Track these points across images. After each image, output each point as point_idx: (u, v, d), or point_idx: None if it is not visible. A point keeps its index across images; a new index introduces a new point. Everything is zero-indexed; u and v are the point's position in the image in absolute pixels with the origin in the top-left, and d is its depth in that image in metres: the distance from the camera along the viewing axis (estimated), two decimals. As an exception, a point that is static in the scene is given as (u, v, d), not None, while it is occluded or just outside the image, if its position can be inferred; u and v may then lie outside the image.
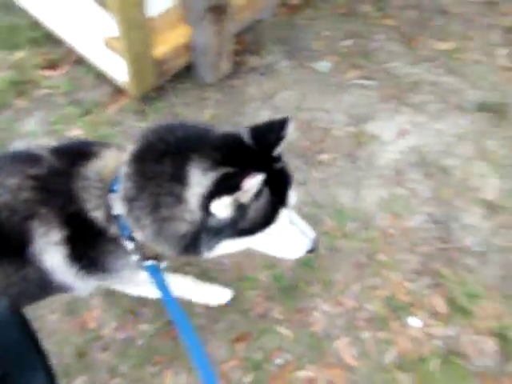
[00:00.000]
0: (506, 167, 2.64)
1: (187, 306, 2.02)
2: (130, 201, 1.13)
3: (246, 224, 1.12)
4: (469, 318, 2.15)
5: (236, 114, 2.69)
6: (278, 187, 1.13)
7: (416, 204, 2.46)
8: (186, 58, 2.61)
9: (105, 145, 1.33)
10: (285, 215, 1.19)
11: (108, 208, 1.18)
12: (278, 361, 2.03)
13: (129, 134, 2.54)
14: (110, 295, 2.08)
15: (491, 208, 2.50)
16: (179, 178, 1.06)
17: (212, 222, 1.09)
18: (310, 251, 1.33)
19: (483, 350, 2.09)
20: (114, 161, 1.24)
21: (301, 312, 2.10)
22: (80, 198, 1.18)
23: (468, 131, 2.77)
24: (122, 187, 1.14)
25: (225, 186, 1.02)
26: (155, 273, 1.23)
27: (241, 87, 2.81)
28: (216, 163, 1.05)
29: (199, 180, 1.04)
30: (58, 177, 1.20)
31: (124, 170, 1.15)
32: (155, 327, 2.03)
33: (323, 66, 2.95)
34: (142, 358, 1.98)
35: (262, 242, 1.25)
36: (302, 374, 2.01)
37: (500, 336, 2.12)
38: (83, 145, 1.34)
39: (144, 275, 1.27)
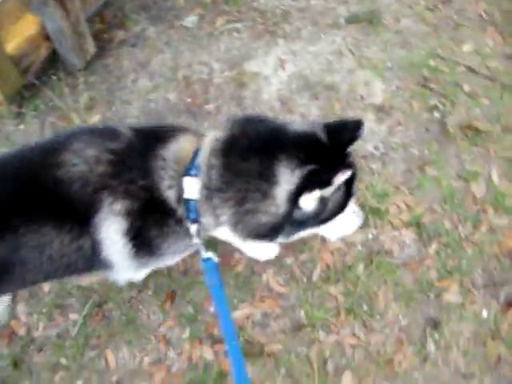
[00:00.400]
0: (387, 70, 2.74)
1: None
2: (212, 190, 1.21)
3: (325, 215, 1.25)
4: (383, 217, 2.26)
5: (115, 91, 2.65)
6: (349, 180, 1.18)
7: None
8: (45, 49, 2.53)
9: (182, 129, 1.37)
10: (352, 203, 1.35)
11: (180, 190, 1.22)
12: (211, 309, 2.04)
13: (12, 141, 2.45)
14: (32, 297, 2.04)
15: (382, 111, 2.61)
16: (268, 177, 1.16)
17: (297, 215, 1.21)
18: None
19: (403, 242, 2.21)
20: (191, 146, 1.29)
21: (222, 256, 2.13)
22: (155, 176, 1.21)
23: (344, 46, 2.84)
24: (204, 175, 1.22)
25: (316, 182, 1.14)
26: (212, 267, 1.30)
27: (114, 64, 2.77)
28: (301, 161, 1.15)
29: (288, 178, 1.15)
30: (136, 154, 1.23)
31: (206, 158, 1.23)
32: (83, 314, 2.01)
33: (190, 21, 2.92)
34: (80, 345, 1.97)
35: (328, 227, 1.37)
36: (238, 314, 2.04)
37: (415, 225, 2.24)
38: (162, 127, 1.38)
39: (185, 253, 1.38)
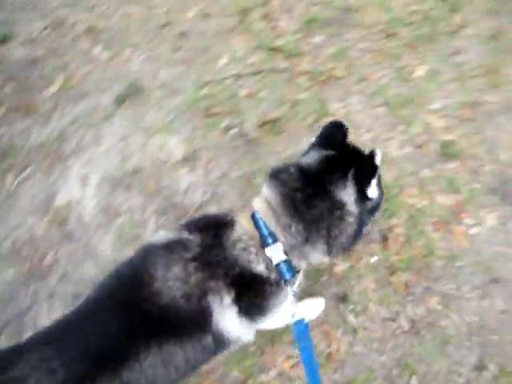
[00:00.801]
0: (172, 123, 2.92)
1: None
2: (298, 244, 1.37)
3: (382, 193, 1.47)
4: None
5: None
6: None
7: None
8: None
9: (228, 212, 1.48)
10: None
11: (267, 260, 1.34)
12: None
13: None
14: None
15: (189, 160, 2.81)
16: (335, 205, 1.36)
17: (370, 205, 1.44)
18: None
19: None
20: (245, 219, 1.41)
21: None
22: (241, 261, 1.32)
23: (126, 126, 2.92)
24: (284, 236, 1.37)
25: (366, 174, 1.34)
26: (303, 331, 1.37)
27: None
28: (342, 174, 1.37)
29: (346, 192, 1.37)
30: (212, 249, 1.32)
31: (274, 222, 1.38)
32: None
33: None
34: None
35: None
36: None
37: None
38: (214, 216, 1.49)
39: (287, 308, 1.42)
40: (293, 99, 2.83)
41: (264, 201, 1.41)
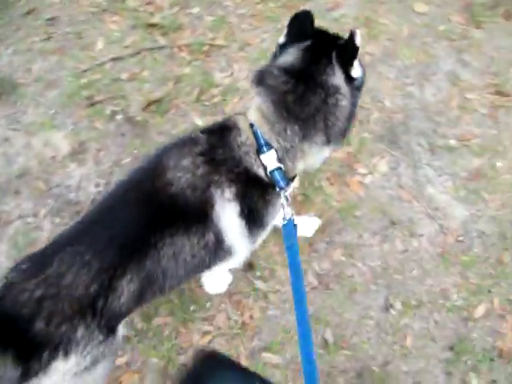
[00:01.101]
0: (54, 118, 2.75)
1: None
2: (294, 148, 1.42)
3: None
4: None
5: None
6: None
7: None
8: None
9: (231, 117, 1.52)
10: None
11: (264, 167, 1.38)
12: None
13: None
14: None
15: (77, 154, 2.64)
16: (325, 91, 1.39)
17: (357, 84, 1.45)
18: None
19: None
20: (248, 127, 1.44)
21: None
22: (244, 161, 1.39)
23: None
24: (279, 145, 1.42)
25: (348, 54, 1.36)
26: (290, 230, 1.35)
27: None
28: (327, 59, 1.40)
29: (334, 75, 1.40)
30: (219, 148, 1.40)
31: (268, 130, 1.42)
32: None
33: None
34: None
35: None
36: None
37: None
38: (221, 123, 1.52)
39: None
40: (176, 75, 2.74)
41: (257, 110, 1.44)
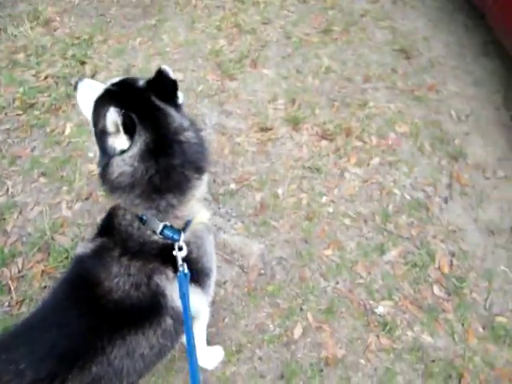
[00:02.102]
0: None
1: None
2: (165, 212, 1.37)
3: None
4: None
5: None
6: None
7: None
8: None
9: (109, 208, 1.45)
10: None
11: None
12: None
13: None
14: None
15: None
16: (182, 143, 1.32)
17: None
18: None
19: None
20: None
21: None
22: (149, 239, 1.35)
23: None
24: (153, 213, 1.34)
25: (171, 88, 1.33)
26: (185, 278, 1.30)
27: None
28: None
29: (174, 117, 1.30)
30: (128, 241, 1.37)
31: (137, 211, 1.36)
32: None
33: None
34: None
35: None
36: None
37: None
38: (103, 219, 1.46)
39: None
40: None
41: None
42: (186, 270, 1.35)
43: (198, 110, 3.14)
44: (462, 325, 2.29)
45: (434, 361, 2.18)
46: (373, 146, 3.01)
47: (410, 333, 2.25)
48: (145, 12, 3.94)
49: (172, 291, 1.34)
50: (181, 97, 1.34)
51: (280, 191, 2.71)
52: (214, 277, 1.58)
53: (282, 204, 2.66)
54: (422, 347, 2.21)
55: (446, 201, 2.80)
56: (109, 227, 1.40)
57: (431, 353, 2.20)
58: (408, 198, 2.77)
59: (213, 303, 2.14)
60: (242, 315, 2.26)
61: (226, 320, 2.25)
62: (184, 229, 1.37)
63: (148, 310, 1.32)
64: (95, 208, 2.60)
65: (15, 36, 3.61)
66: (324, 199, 2.69)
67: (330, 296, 2.34)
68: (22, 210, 2.63)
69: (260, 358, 2.15)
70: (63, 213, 2.58)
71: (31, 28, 3.69)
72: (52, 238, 2.45)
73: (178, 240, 1.34)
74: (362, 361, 2.16)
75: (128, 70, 3.35)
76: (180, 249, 1.33)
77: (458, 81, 3.57)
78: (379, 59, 3.64)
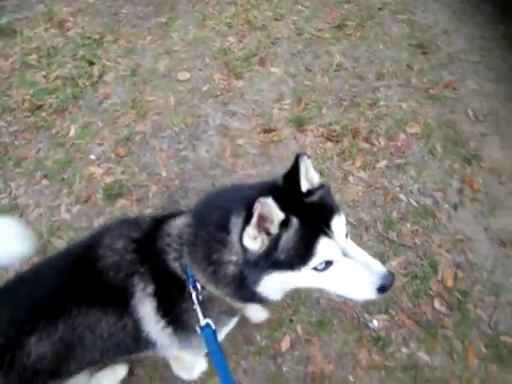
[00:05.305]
0: None
1: None
2: (189, 245, 1.32)
3: (281, 255, 1.15)
4: None
5: None
6: (313, 218, 1.15)
7: None
8: None
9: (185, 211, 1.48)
10: (328, 246, 1.16)
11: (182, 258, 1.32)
12: None
13: None
14: None
15: None
16: (223, 227, 1.21)
17: (249, 257, 1.18)
18: (382, 290, 1.20)
19: None
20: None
21: None
22: (163, 252, 1.36)
23: None
24: (184, 233, 1.34)
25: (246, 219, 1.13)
26: (210, 333, 1.29)
27: None
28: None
29: (236, 223, 1.18)
30: (149, 238, 1.40)
31: (185, 220, 1.38)
32: None
33: None
34: None
35: (314, 280, 1.22)
36: None
37: None
38: (173, 213, 1.51)
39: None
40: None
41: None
42: (213, 326, 1.34)
43: (201, 111, 3.07)
44: (462, 343, 2.14)
45: (428, 381, 2.05)
46: (380, 148, 2.87)
47: (404, 349, 2.13)
48: (157, 10, 3.89)
49: (140, 302, 1.37)
50: (247, 238, 1.20)
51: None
52: (196, 339, 1.49)
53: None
54: (416, 365, 2.09)
55: (455, 207, 2.63)
56: (161, 221, 1.48)
57: (426, 372, 2.08)
58: (414, 204, 2.62)
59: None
60: (228, 328, 2.19)
61: (213, 329, 2.18)
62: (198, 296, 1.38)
63: (114, 298, 1.36)
64: (93, 211, 2.60)
65: (30, 38, 3.64)
66: (325, 205, 2.57)
67: (323, 308, 2.25)
68: (23, 212, 2.64)
69: (244, 371, 2.09)
70: (62, 215, 2.60)
71: (45, 29, 3.72)
72: (49, 241, 2.45)
73: (196, 288, 1.34)
74: (351, 378, 2.06)
75: (135, 70, 3.31)
76: (199, 301, 1.34)
77: (478, 77, 3.36)
78: (394, 55, 3.47)
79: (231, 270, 1.25)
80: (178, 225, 1.42)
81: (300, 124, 2.96)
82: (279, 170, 2.74)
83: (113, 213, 2.54)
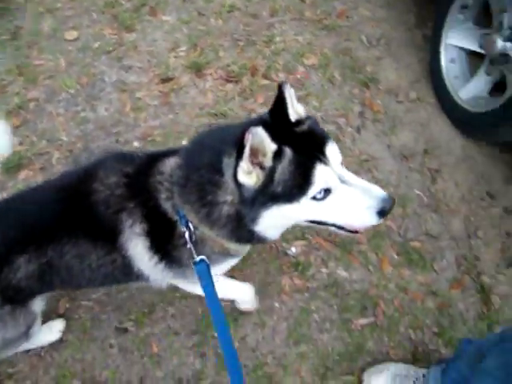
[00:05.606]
0: None
1: None
2: (181, 187, 1.29)
3: (277, 188, 1.12)
4: None
5: None
6: (306, 146, 1.13)
7: None
8: None
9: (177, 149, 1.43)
10: (325, 173, 1.13)
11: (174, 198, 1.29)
12: None
13: None
14: None
15: None
16: (216, 169, 1.20)
17: (246, 194, 1.16)
18: (382, 213, 1.18)
19: None
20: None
21: None
22: (155, 190, 1.33)
23: None
24: (175, 175, 1.31)
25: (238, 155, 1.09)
26: (203, 270, 1.29)
27: None
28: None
29: (228, 163, 1.17)
30: (142, 175, 1.37)
31: (176, 161, 1.34)
32: None
33: None
34: None
35: (314, 211, 1.19)
36: None
37: None
38: (167, 150, 1.46)
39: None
40: None
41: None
42: (207, 261, 1.35)
43: (95, 69, 2.97)
44: (377, 254, 2.30)
45: (349, 294, 2.20)
46: (280, 83, 2.89)
47: (324, 269, 2.27)
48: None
49: (129, 240, 1.37)
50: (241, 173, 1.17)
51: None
52: (191, 272, 1.49)
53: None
54: (336, 282, 2.24)
55: (358, 130, 2.76)
56: (155, 157, 1.46)
57: (346, 286, 2.23)
58: (317, 132, 2.70)
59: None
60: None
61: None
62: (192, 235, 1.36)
63: (103, 233, 1.38)
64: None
65: None
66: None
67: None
68: None
69: (173, 316, 2.14)
70: None
71: None
72: None
73: (187, 226, 1.32)
74: (277, 304, 2.18)
75: (15, 33, 3.09)
76: (190, 238, 1.33)
77: (370, 4, 3.46)
78: (284, -10, 3.46)
79: (226, 210, 1.25)
80: (170, 164, 1.39)
81: (198, 69, 2.93)
82: (182, 117, 2.73)
83: (16, 186, 2.43)
